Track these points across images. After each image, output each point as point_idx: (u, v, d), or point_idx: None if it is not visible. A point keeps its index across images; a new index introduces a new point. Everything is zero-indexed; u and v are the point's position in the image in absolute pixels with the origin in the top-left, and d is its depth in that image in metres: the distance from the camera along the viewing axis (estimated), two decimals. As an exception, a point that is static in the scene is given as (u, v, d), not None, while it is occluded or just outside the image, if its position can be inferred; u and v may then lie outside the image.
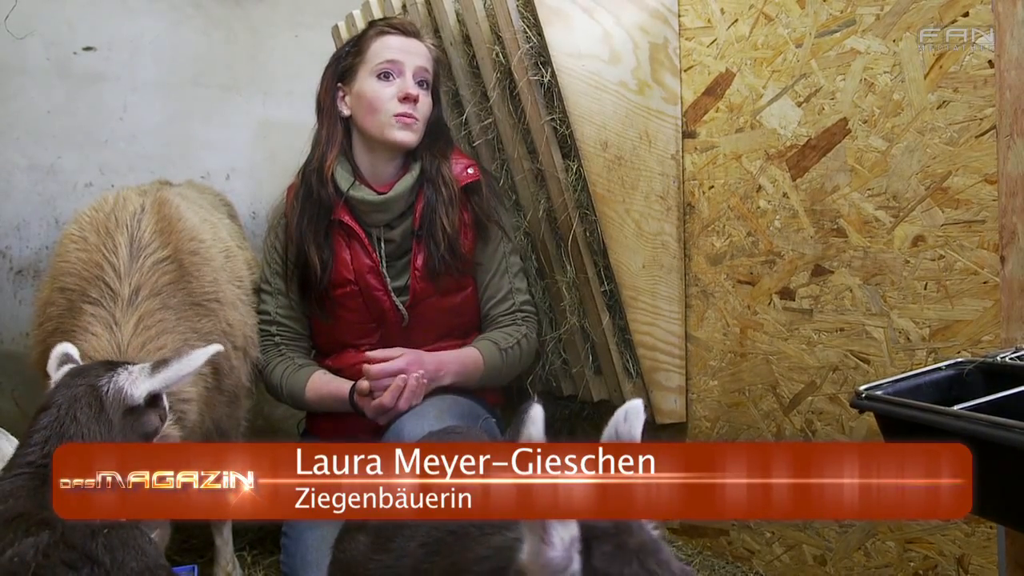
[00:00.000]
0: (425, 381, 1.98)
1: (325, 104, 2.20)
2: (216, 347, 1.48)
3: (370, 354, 2.02)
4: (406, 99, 2.08)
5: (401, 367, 1.98)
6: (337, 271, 2.14)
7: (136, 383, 1.36)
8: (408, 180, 2.13)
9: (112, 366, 1.38)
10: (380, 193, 2.13)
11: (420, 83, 2.13)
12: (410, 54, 2.12)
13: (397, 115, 2.08)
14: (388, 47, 2.12)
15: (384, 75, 2.11)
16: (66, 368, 1.40)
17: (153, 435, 1.42)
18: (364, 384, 1.98)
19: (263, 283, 2.25)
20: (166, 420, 1.47)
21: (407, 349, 2.04)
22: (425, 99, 2.14)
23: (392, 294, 2.14)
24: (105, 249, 1.78)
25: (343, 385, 2.08)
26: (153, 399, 1.40)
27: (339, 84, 2.18)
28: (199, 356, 1.43)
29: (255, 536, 2.48)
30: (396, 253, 2.16)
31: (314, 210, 2.13)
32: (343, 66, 2.18)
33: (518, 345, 2.19)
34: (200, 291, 1.87)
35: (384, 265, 2.14)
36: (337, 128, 2.17)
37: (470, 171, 2.17)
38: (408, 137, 2.10)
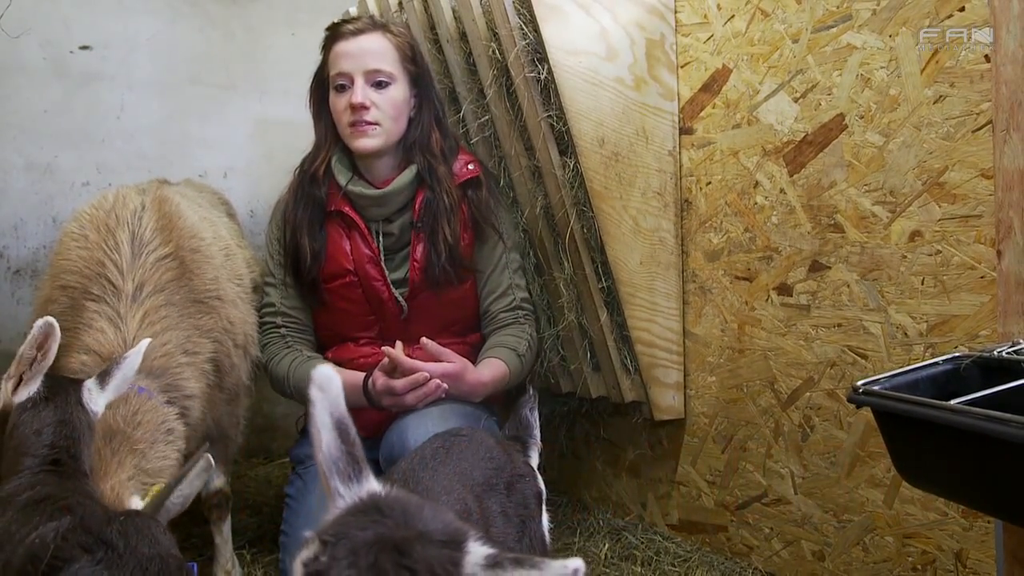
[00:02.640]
0: (443, 395, 1.97)
1: (314, 112, 2.22)
2: (146, 341, 1.57)
3: (425, 341, 2.00)
4: (354, 108, 2.07)
5: (443, 372, 1.96)
6: (336, 261, 2.14)
7: (95, 400, 1.47)
8: (406, 176, 2.13)
9: (75, 384, 1.48)
10: (378, 188, 2.14)
11: (376, 83, 2.09)
12: (359, 57, 2.09)
13: (350, 125, 2.09)
14: (339, 56, 2.11)
15: (339, 87, 2.11)
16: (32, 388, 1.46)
17: None
18: (388, 363, 1.97)
19: (267, 276, 2.25)
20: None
21: (461, 358, 2.03)
22: (383, 97, 2.10)
23: (391, 285, 2.14)
24: (106, 246, 1.78)
25: (355, 375, 2.06)
26: None
27: (325, 93, 2.19)
28: (135, 357, 1.53)
29: (254, 535, 2.48)
30: (395, 246, 2.16)
31: (308, 202, 2.15)
32: (319, 78, 2.20)
33: (529, 348, 2.20)
34: (201, 288, 1.87)
35: (383, 257, 2.14)
36: (329, 132, 2.19)
37: (470, 167, 2.17)
38: (366, 143, 2.09)
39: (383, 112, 2.10)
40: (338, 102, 2.11)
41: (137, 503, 1.45)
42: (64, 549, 1.08)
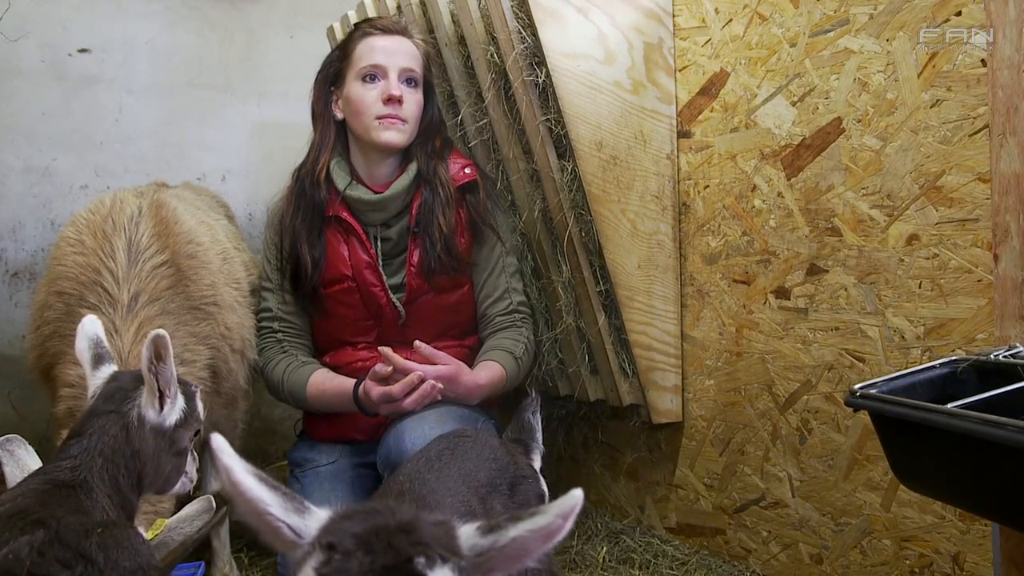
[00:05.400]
0: (439, 396, 1.98)
1: (318, 109, 2.22)
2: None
3: (419, 344, 2.01)
4: (389, 100, 2.09)
5: (437, 375, 1.96)
6: (334, 267, 2.14)
7: (160, 412, 1.34)
8: (404, 180, 2.14)
9: (139, 385, 1.35)
10: (377, 192, 2.14)
11: (407, 81, 2.13)
12: (394, 54, 2.12)
13: (380, 117, 2.09)
14: (372, 49, 2.12)
15: (369, 77, 2.11)
16: (104, 373, 1.38)
17: (185, 452, 1.40)
18: (384, 369, 1.97)
19: (264, 280, 2.25)
20: (200, 429, 1.44)
21: (456, 360, 2.04)
22: (413, 97, 2.14)
23: (389, 291, 2.14)
24: (103, 253, 1.77)
25: (346, 382, 2.08)
26: (184, 418, 1.39)
27: (332, 88, 2.19)
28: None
29: (252, 537, 2.48)
30: (393, 251, 2.17)
31: (307, 209, 2.15)
32: (333, 71, 2.20)
33: (526, 351, 2.21)
34: (198, 295, 1.87)
35: (381, 262, 2.15)
36: (330, 132, 2.19)
37: (467, 171, 2.18)
38: (394, 138, 2.11)
39: (410, 111, 2.13)
40: (367, 93, 2.11)
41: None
42: (41, 565, 1.02)
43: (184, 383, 1.41)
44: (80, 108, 3.04)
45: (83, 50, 3.04)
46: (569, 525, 0.72)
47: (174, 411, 1.36)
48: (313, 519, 0.76)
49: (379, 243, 2.16)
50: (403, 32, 2.17)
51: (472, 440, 1.46)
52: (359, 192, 2.14)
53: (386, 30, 2.15)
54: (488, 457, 1.41)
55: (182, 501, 1.47)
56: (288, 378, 2.15)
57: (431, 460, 1.37)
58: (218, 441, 0.74)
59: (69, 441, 1.28)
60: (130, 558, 1.08)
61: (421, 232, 2.13)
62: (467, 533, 0.76)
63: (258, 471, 0.76)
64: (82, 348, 1.40)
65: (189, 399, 1.40)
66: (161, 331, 1.29)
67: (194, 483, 1.44)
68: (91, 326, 1.42)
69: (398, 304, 2.15)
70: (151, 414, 1.32)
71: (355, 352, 2.20)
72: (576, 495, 0.72)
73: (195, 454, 1.46)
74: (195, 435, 1.42)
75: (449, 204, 2.12)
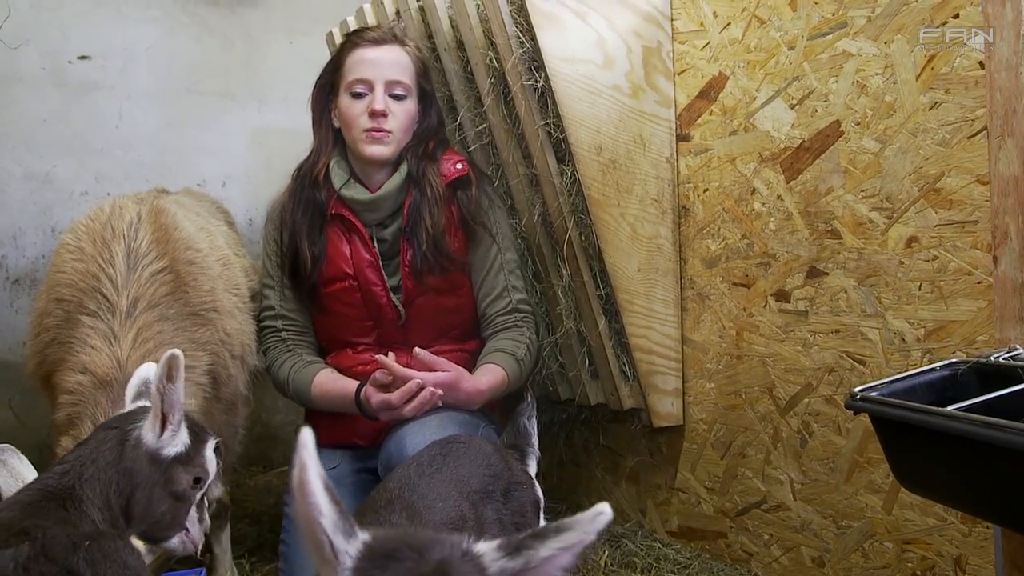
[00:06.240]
0: (439, 403, 1.97)
1: (316, 117, 2.23)
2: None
3: (418, 351, 2.00)
4: (373, 115, 2.09)
5: (436, 381, 1.95)
6: (335, 265, 2.15)
7: (159, 437, 1.29)
8: (396, 180, 2.15)
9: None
10: (371, 192, 2.15)
11: (394, 95, 2.13)
12: (381, 66, 2.12)
13: (366, 131, 2.10)
14: (359, 61, 2.13)
15: (356, 92, 2.12)
16: (138, 404, 1.36)
17: (183, 497, 1.32)
18: (384, 377, 1.97)
19: (265, 277, 2.26)
20: (204, 483, 1.36)
21: (456, 366, 2.03)
22: (401, 108, 2.13)
23: (389, 291, 2.15)
24: (102, 259, 1.78)
25: (349, 384, 2.08)
26: (186, 455, 1.32)
27: (329, 96, 2.21)
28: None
29: (254, 544, 2.48)
30: (390, 252, 2.18)
31: (307, 206, 2.16)
32: (327, 81, 2.21)
33: (528, 352, 2.20)
34: (197, 301, 1.87)
35: (380, 262, 2.16)
36: (329, 137, 2.21)
37: (458, 166, 2.18)
38: (379, 151, 2.11)
39: (398, 122, 2.13)
40: (353, 107, 2.12)
41: (140, 543, 1.41)
42: None
43: (199, 427, 1.36)
44: (80, 115, 3.04)
45: (83, 57, 3.05)
46: (594, 538, 0.72)
47: (174, 442, 1.30)
48: (355, 546, 0.75)
49: (376, 244, 2.17)
50: (392, 41, 2.16)
51: (465, 446, 1.45)
52: (354, 191, 2.15)
53: (375, 41, 2.15)
54: (482, 463, 1.41)
55: None
56: (293, 377, 2.16)
57: (423, 466, 1.36)
58: (306, 435, 0.72)
59: (73, 448, 1.27)
60: (120, 572, 1.03)
61: (411, 232, 2.13)
62: (491, 556, 0.74)
63: (329, 482, 0.74)
64: (131, 387, 1.38)
65: (197, 441, 1.34)
66: (177, 351, 1.26)
67: (198, 546, 1.37)
68: (145, 370, 1.40)
69: (398, 304, 2.15)
70: (149, 437, 1.27)
71: (355, 355, 2.20)
72: (603, 509, 0.72)
73: (206, 517, 1.40)
74: (196, 483, 1.34)
75: (438, 204, 2.12)
